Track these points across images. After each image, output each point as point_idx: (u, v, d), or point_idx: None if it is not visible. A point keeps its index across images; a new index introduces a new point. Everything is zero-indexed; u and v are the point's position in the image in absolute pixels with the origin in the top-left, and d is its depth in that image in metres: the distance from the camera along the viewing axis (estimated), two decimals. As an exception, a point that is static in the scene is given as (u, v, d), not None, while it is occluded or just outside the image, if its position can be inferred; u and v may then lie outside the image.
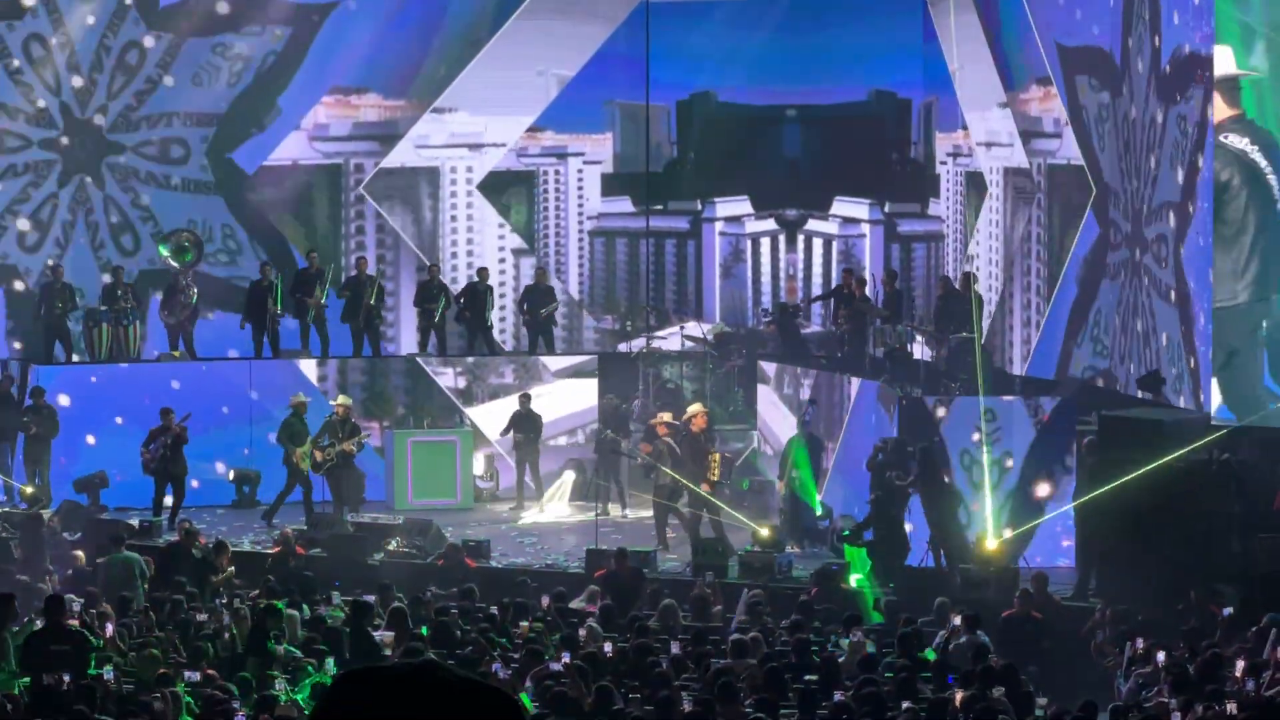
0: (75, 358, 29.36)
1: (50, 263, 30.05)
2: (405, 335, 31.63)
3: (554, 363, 30.74)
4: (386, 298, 30.84)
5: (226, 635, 19.37)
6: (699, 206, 33.03)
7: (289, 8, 31.34)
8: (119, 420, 28.28)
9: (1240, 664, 17.91)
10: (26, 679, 17.35)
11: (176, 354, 29.41)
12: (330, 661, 18.11)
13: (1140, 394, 25.29)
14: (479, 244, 32.50)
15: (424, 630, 19.53)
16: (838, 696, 16.65)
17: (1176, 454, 21.75)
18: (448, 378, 30.28)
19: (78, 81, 30.68)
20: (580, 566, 24.24)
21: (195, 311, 29.64)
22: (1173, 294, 25.35)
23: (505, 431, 29.18)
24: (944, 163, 31.85)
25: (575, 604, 21.47)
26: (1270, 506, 22.31)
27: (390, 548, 24.94)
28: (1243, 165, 24.44)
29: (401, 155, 32.09)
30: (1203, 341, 24.61)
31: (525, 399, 29.22)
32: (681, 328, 31.67)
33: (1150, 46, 25.78)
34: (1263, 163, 24.36)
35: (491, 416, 29.94)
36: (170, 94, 31.04)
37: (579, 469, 29.36)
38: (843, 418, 27.32)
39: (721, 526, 25.56)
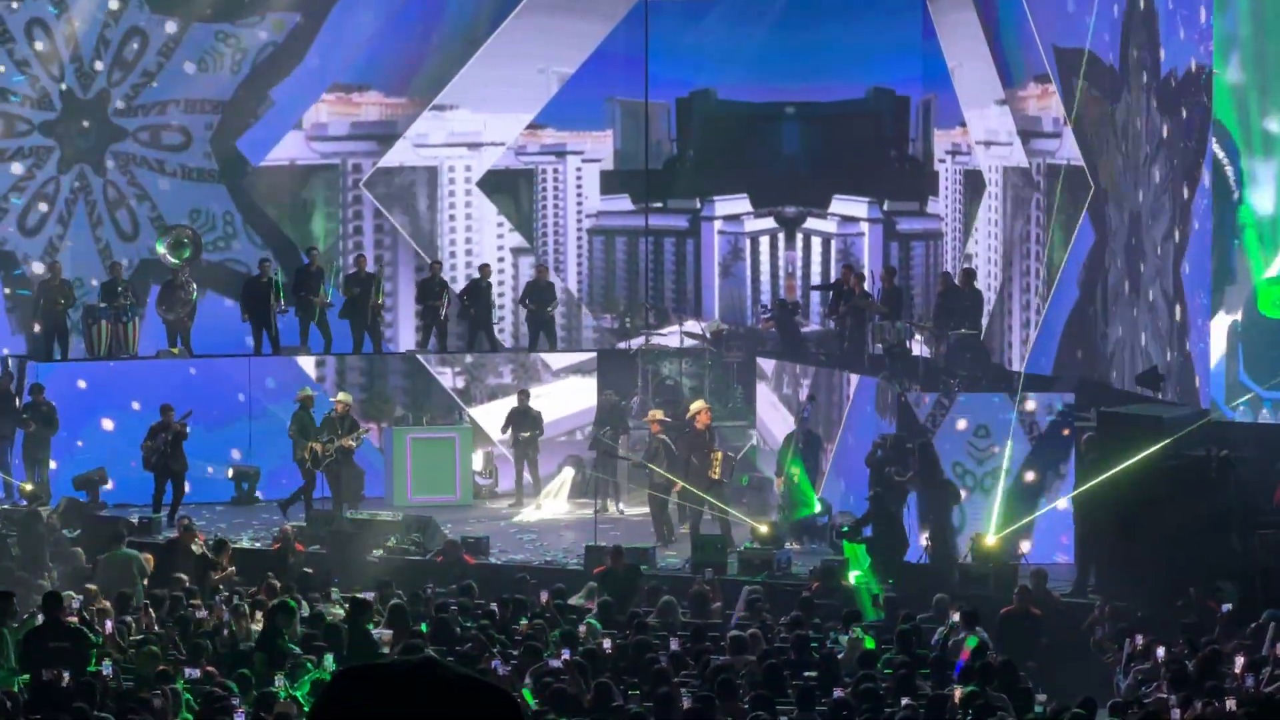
0: (74, 354, 29.35)
1: (49, 260, 30.04)
2: (404, 333, 31.63)
3: (553, 360, 30.73)
4: (385, 296, 30.83)
5: (226, 632, 19.39)
6: (698, 205, 33.01)
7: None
8: (108, 425, 28.28)
9: (1239, 660, 17.92)
10: (26, 676, 17.36)
11: (175, 351, 29.41)
12: (329, 658, 18.09)
13: (1139, 390, 25.31)
14: (478, 242, 32.47)
15: (423, 627, 19.54)
16: (837, 693, 16.66)
17: (1172, 438, 21.73)
18: (447, 378, 30.28)
19: (81, 64, 30.58)
20: (579, 563, 24.25)
21: (194, 309, 29.62)
22: (1169, 291, 25.36)
23: (504, 428, 29.19)
24: (943, 160, 31.83)
25: (574, 600, 21.49)
26: (1270, 502, 22.32)
27: (389, 544, 24.95)
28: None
29: (400, 154, 32.06)
30: (1200, 338, 24.62)
31: (524, 396, 29.23)
32: (681, 327, 31.66)
33: (1150, 56, 25.79)
34: (1221, 154, 24.45)
35: (491, 416, 29.94)
36: (174, 80, 30.95)
37: (578, 466, 29.36)
38: (841, 417, 27.33)
39: (729, 525, 25.55)
